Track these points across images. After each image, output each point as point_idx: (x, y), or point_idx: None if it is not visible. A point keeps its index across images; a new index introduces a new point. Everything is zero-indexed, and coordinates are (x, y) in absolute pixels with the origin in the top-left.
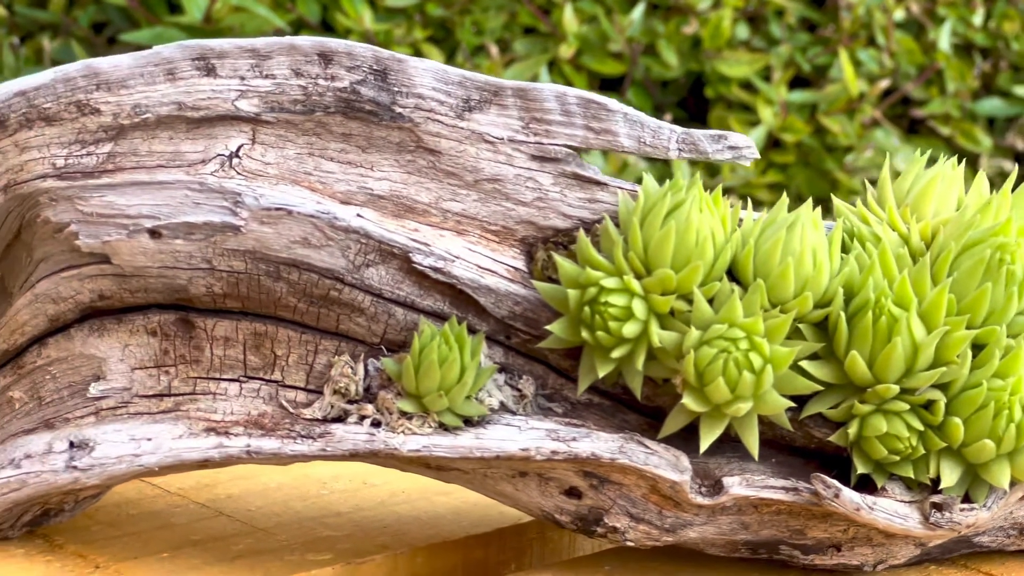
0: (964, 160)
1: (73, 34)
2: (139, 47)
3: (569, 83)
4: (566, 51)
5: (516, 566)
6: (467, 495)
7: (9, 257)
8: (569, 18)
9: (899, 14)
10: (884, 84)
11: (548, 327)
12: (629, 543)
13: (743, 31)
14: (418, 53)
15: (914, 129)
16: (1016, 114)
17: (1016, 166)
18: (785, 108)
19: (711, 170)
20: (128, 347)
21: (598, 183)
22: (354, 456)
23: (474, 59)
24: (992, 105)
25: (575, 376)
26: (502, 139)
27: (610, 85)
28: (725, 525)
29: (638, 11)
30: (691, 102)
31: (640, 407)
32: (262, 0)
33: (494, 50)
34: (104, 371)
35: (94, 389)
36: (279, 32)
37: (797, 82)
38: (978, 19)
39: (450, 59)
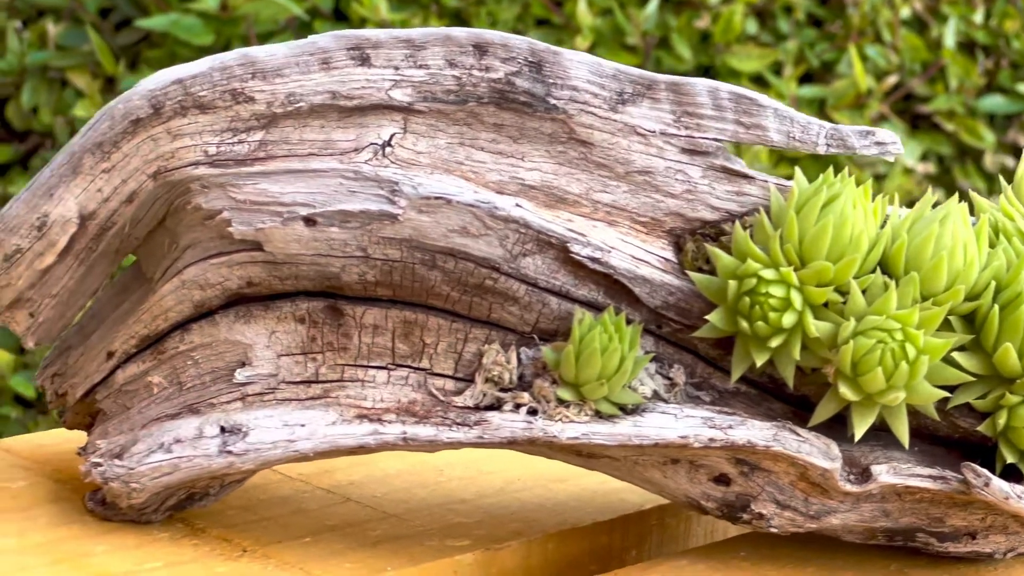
0: (968, 156)
1: (80, 19)
2: (147, 34)
3: None
4: (581, 43)
5: (637, 552)
6: (583, 482)
7: (150, 243)
8: (583, 11)
9: (904, 11)
10: (892, 80)
11: (708, 317)
12: (773, 529)
13: (752, 26)
14: None
15: (918, 124)
16: (1018, 111)
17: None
18: (795, 102)
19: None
20: (275, 334)
21: (745, 176)
22: (511, 444)
23: None
24: (994, 102)
25: (722, 365)
26: (654, 132)
27: None
28: (867, 512)
29: (653, 5)
30: None
31: (785, 396)
32: None
33: None
34: (250, 357)
35: (240, 375)
36: (291, 20)
37: (805, 77)
38: (979, 17)
39: None
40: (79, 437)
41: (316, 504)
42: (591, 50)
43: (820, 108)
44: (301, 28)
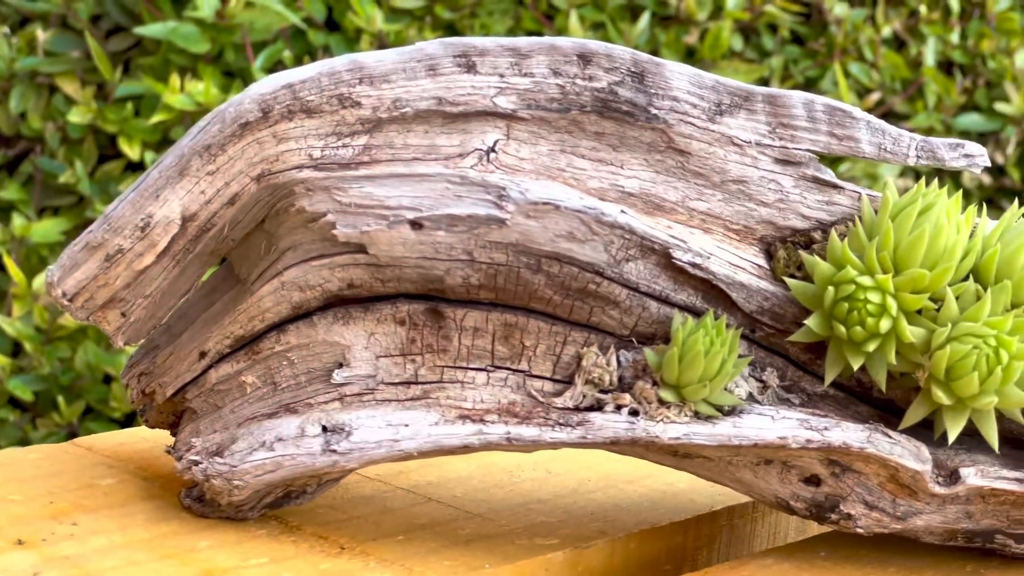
0: (945, 173)
1: (68, 25)
2: (138, 41)
3: None
4: None
5: (707, 552)
6: (650, 484)
7: (246, 245)
8: (575, 25)
9: (886, 30)
10: (875, 97)
11: (805, 321)
12: (859, 530)
13: (737, 42)
14: None
15: None
16: (994, 129)
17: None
18: None
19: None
20: (374, 335)
21: (835, 186)
22: (613, 443)
23: None
24: (971, 120)
25: (812, 369)
26: (749, 142)
27: None
28: (951, 514)
29: (644, 21)
30: None
31: (871, 399)
32: None
33: None
34: (348, 358)
35: (338, 376)
36: (285, 30)
37: None
38: (955, 37)
39: None
40: (155, 435)
41: (400, 503)
42: None
43: None
44: (294, 37)
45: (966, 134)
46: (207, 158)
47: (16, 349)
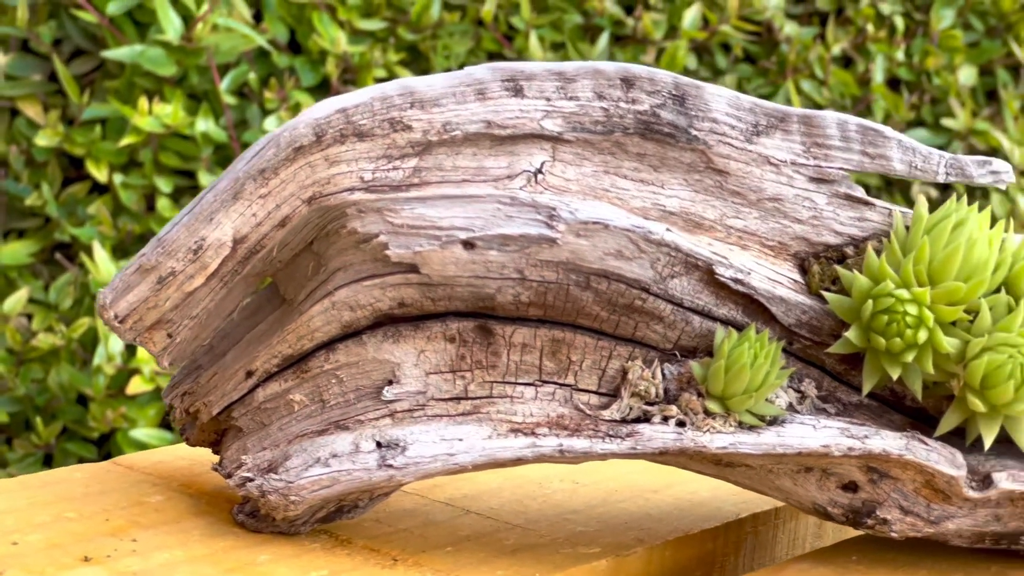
0: (895, 186)
1: (30, 48)
2: (100, 64)
3: None
4: None
5: (734, 558)
6: (676, 492)
7: (292, 266)
8: (534, 45)
9: (835, 49)
10: None
11: (844, 333)
12: (893, 534)
13: (691, 62)
14: (392, 75)
15: None
16: (942, 144)
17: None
18: None
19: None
20: (423, 352)
21: (866, 203)
22: (662, 454)
23: None
24: (919, 136)
25: (847, 379)
26: (785, 161)
27: None
28: (981, 518)
29: (603, 40)
30: None
31: (904, 408)
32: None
33: None
34: (397, 376)
35: (388, 392)
36: (249, 51)
37: None
38: (901, 55)
39: None
40: (194, 453)
41: (442, 516)
42: None
43: None
44: (258, 59)
45: None
46: (260, 182)
47: None
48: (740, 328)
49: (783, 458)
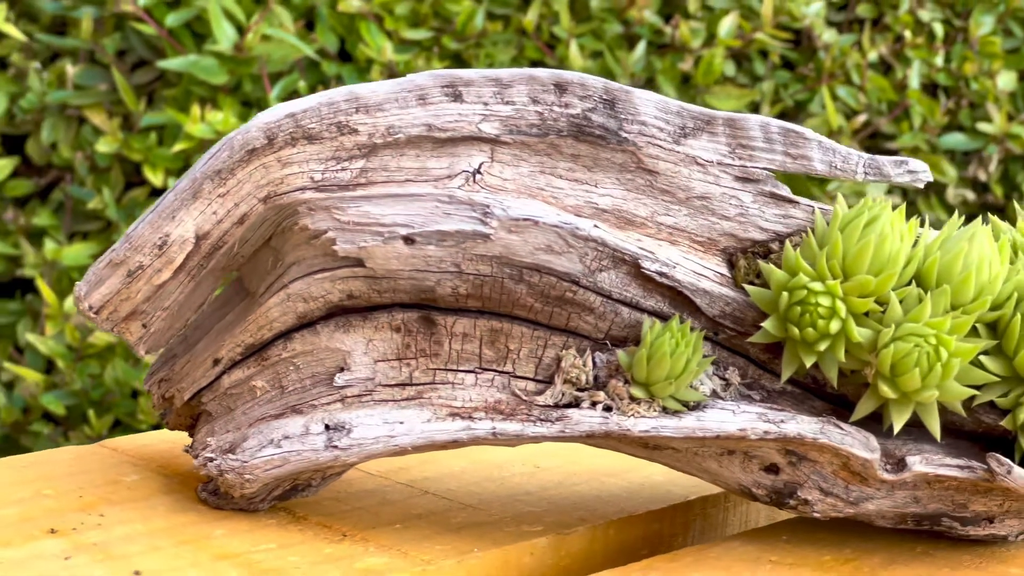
0: (931, 190)
1: (96, 59)
2: (161, 73)
3: None
4: None
5: (682, 538)
6: (632, 477)
7: (254, 261)
8: (575, 54)
9: (872, 55)
10: (861, 119)
11: (762, 324)
12: (815, 514)
13: (730, 68)
14: None
15: None
16: (977, 148)
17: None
18: None
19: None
20: (372, 341)
21: (791, 201)
22: (589, 437)
23: None
24: (955, 139)
25: (771, 368)
26: (711, 162)
27: None
28: (900, 499)
29: (640, 48)
30: None
31: (825, 395)
32: (286, 30)
33: None
34: (348, 363)
35: (339, 379)
36: (301, 60)
37: (779, 116)
38: (939, 60)
39: None
40: (177, 437)
41: (399, 496)
42: None
43: None
44: (309, 68)
45: (951, 153)
46: (218, 182)
47: (49, 366)
48: (667, 319)
49: (704, 441)
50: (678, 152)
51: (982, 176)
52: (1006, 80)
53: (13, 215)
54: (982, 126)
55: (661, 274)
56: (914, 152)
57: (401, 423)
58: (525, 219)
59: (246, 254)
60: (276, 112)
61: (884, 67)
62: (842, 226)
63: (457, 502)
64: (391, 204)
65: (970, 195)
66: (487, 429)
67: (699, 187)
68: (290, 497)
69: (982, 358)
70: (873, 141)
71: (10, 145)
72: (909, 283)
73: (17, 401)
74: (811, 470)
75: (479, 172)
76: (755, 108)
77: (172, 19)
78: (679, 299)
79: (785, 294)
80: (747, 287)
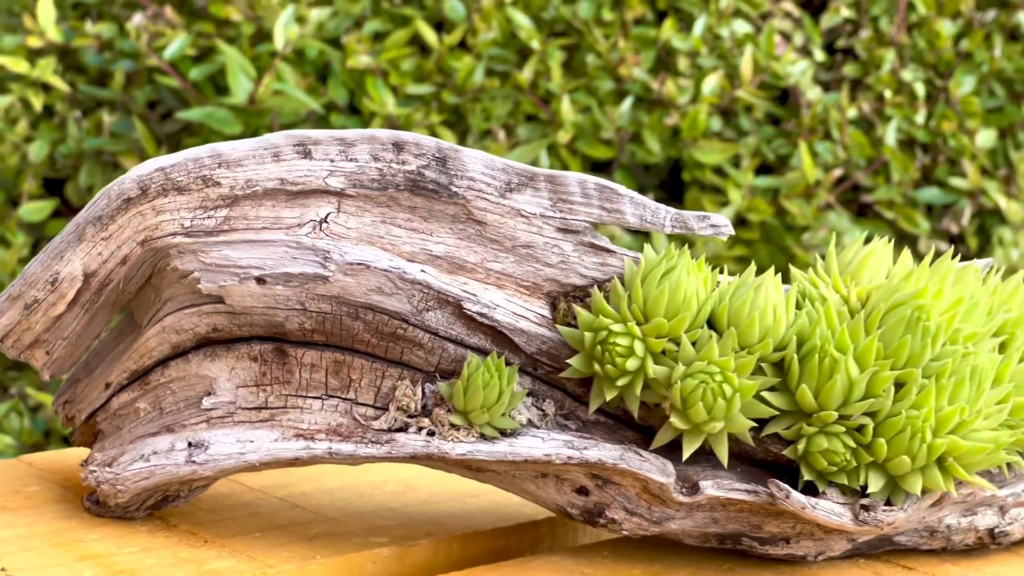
0: (905, 241)
1: (130, 110)
2: (188, 124)
3: (565, 165)
4: (563, 137)
5: (531, 553)
6: (493, 498)
7: (140, 296)
8: (566, 108)
9: (852, 112)
10: (838, 173)
11: (569, 361)
12: (624, 532)
13: (716, 123)
14: (434, 134)
15: (863, 212)
16: (951, 201)
17: (951, 247)
18: (751, 191)
19: (689, 242)
20: (234, 369)
21: (608, 250)
22: (413, 458)
23: (482, 141)
24: (931, 194)
25: (587, 400)
26: (535, 214)
27: (600, 167)
28: (700, 519)
29: (627, 104)
30: (670, 184)
31: (636, 426)
32: (299, 85)
33: (501, 134)
34: (214, 388)
35: (206, 402)
36: (311, 114)
37: (762, 169)
38: (920, 118)
39: (461, 141)
40: (85, 454)
41: (269, 509)
42: (571, 143)
43: (774, 196)
44: (319, 120)
45: (928, 206)
46: (99, 227)
47: None
48: (489, 355)
49: (516, 464)
50: (504, 205)
51: (954, 228)
52: (985, 138)
53: None
54: (954, 181)
55: (481, 315)
56: (889, 205)
57: (252, 442)
58: (359, 263)
59: (132, 290)
60: (148, 166)
61: (867, 124)
62: (644, 274)
63: (321, 515)
64: (248, 249)
65: (943, 246)
66: (324, 449)
67: (524, 237)
68: (162, 507)
69: (767, 394)
70: (852, 194)
71: (51, 188)
72: (703, 326)
73: (39, 424)
74: (616, 492)
75: (325, 221)
76: (737, 161)
77: (195, 72)
78: (499, 337)
79: (590, 334)
80: (559, 327)
